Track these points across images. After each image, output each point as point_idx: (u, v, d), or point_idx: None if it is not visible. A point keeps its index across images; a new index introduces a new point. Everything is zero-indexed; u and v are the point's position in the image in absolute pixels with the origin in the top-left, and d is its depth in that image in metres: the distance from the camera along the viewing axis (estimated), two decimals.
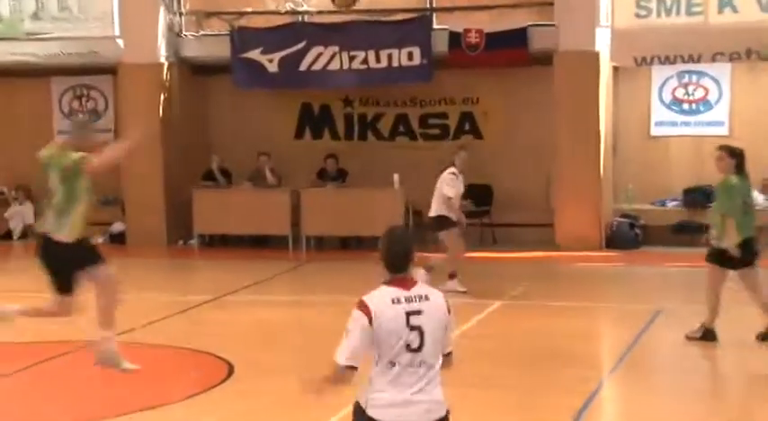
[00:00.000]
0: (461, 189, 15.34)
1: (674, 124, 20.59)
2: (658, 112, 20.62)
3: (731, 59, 19.05)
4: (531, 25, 19.97)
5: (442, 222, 15.03)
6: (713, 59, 19.11)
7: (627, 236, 19.42)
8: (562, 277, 17.58)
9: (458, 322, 12.15)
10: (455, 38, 19.94)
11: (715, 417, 9.66)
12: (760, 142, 18.91)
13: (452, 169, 15.17)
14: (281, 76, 20.70)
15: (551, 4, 19.65)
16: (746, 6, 18.53)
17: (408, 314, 5.65)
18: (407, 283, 5.76)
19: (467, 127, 21.43)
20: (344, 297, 7.89)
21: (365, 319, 5.60)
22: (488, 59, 19.83)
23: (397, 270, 5.76)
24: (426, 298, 5.75)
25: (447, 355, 5.85)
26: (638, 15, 19.26)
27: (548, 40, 19.54)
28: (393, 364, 5.66)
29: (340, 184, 20.57)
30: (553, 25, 19.57)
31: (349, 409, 8.93)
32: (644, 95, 20.67)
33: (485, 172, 20.47)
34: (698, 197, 19.55)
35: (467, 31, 19.86)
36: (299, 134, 22.20)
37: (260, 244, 20.85)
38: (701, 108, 20.31)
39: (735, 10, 18.60)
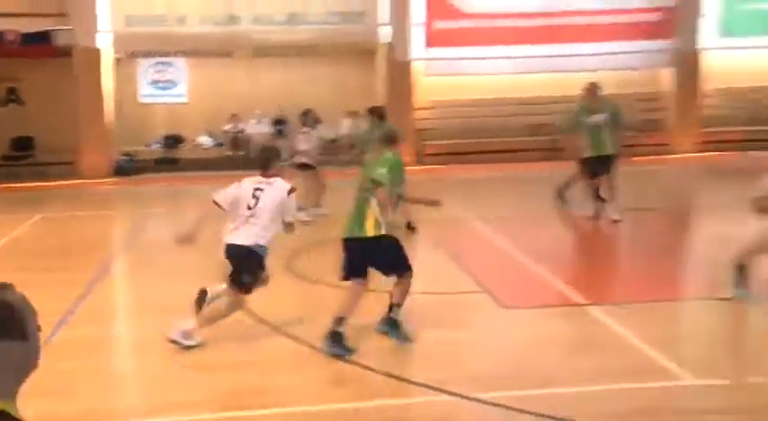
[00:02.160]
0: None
1: (153, 95, 20.53)
2: (144, 88, 20.45)
3: (186, 56, 19.43)
4: (54, 29, 18.74)
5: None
6: (176, 55, 19.38)
7: (127, 167, 19.18)
8: (86, 196, 16.95)
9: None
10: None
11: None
12: (207, 107, 19.54)
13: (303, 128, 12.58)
14: None
15: (65, 15, 18.59)
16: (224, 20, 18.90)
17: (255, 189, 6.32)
18: (268, 176, 6.40)
19: (13, 97, 19.86)
20: None
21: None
22: (25, 51, 18.48)
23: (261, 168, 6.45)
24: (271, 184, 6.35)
25: (289, 223, 6.40)
26: (128, 24, 18.92)
27: (68, 38, 18.51)
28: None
29: None
30: (71, 29, 18.55)
31: None
32: (135, 76, 20.35)
33: (28, 127, 19.26)
34: (171, 141, 19.89)
35: (6, 31, 18.29)
36: None
37: None
38: (170, 85, 20.44)
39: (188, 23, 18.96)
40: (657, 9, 19.39)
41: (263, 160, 6.50)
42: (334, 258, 6.88)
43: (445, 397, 5.32)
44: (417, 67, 19.43)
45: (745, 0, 19.66)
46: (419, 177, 13.60)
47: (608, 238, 10.72)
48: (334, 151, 19.55)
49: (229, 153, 19.43)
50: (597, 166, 10.95)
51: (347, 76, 20.07)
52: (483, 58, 19.23)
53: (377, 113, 11.41)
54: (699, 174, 16.90)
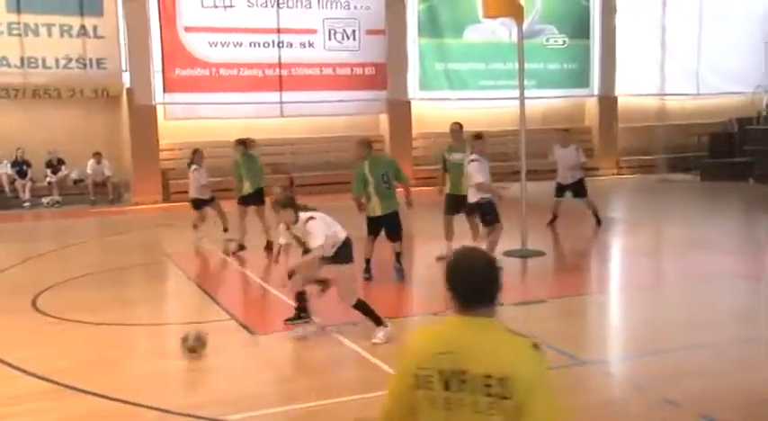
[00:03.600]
0: None
1: None
2: None
3: None
4: None
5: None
6: None
7: None
8: None
9: None
10: None
11: None
12: None
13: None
14: None
15: None
16: None
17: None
18: None
19: None
20: None
21: None
22: None
23: None
24: None
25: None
26: None
27: None
28: None
29: None
30: None
31: None
32: None
33: None
34: None
35: None
36: None
37: None
38: None
39: None
40: (372, 64, 20.60)
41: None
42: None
43: None
44: (160, 112, 18.85)
45: (435, 61, 21.48)
46: (167, 213, 13.19)
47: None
48: (80, 191, 18.36)
49: None
50: (453, 204, 10.27)
51: (91, 118, 18.92)
52: (222, 104, 19.14)
53: (242, 144, 11.66)
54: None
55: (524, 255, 10.61)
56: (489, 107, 21.10)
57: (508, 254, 10.60)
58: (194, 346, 6.44)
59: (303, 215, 6.71)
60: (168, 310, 8.99)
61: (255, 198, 11.39)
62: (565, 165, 12.34)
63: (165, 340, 7.47)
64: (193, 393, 5.97)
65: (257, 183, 11.44)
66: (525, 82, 11.15)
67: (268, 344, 7.06)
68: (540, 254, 10.75)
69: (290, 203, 6.76)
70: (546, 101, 21.26)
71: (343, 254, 6.81)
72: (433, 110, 20.91)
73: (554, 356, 6.53)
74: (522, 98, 10.98)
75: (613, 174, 22.01)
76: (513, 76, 12.13)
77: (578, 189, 12.34)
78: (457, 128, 10.68)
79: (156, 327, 7.84)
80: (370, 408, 5.47)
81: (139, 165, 18.07)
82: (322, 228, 6.67)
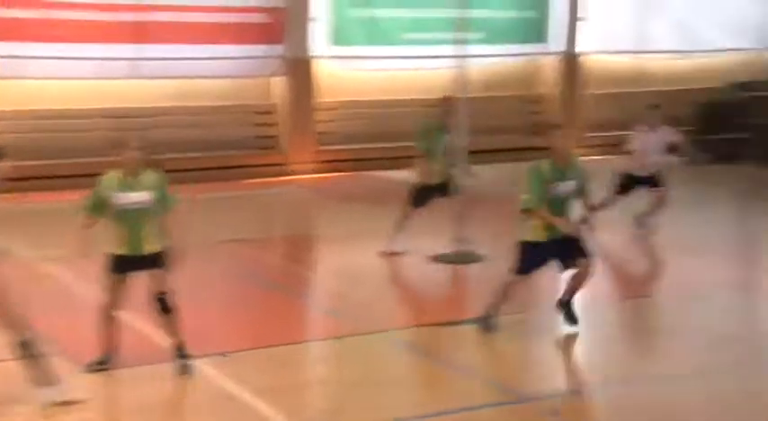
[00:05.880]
0: None
1: None
2: None
3: None
4: None
5: None
6: None
7: None
8: None
9: None
10: None
11: None
12: None
13: None
14: None
15: None
16: None
17: None
18: None
19: None
20: None
21: None
22: None
23: None
24: None
25: None
26: None
27: None
28: None
29: None
30: None
31: None
32: None
33: None
34: None
35: None
36: None
37: None
38: None
39: None
40: (265, 10, 20.33)
41: None
42: None
43: None
44: None
45: (354, 7, 21.39)
46: None
47: (205, 277, 10.78)
48: None
49: None
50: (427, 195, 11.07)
51: None
52: (57, 58, 18.57)
53: None
54: (317, 197, 17.95)
55: (454, 260, 10.94)
56: (420, 68, 21.23)
57: (436, 258, 10.78)
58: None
59: None
60: None
61: None
62: (648, 150, 12.39)
63: None
64: None
65: None
66: (469, 35, 11.43)
67: (103, 383, 6.93)
68: (476, 259, 11.05)
69: None
70: (495, 60, 21.40)
71: None
72: (347, 71, 20.92)
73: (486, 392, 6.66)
74: (461, 55, 11.18)
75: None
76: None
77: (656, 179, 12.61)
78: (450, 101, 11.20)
79: None
80: None
81: None
82: None
